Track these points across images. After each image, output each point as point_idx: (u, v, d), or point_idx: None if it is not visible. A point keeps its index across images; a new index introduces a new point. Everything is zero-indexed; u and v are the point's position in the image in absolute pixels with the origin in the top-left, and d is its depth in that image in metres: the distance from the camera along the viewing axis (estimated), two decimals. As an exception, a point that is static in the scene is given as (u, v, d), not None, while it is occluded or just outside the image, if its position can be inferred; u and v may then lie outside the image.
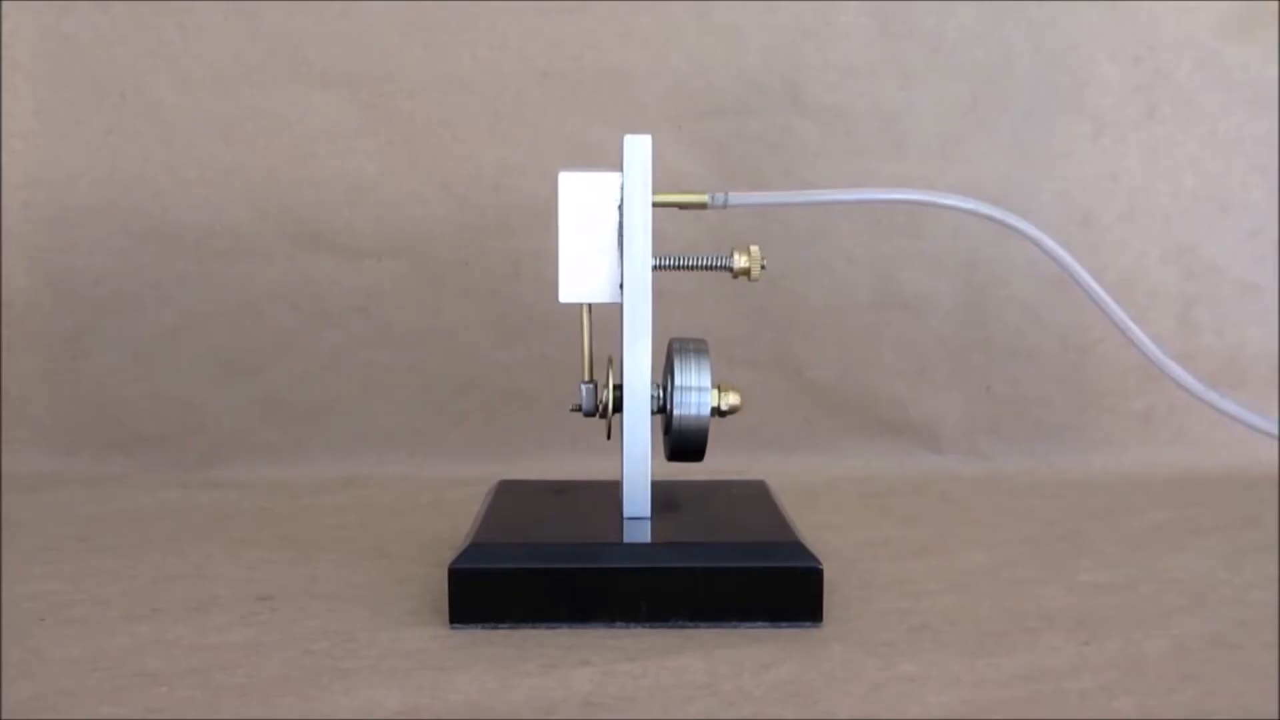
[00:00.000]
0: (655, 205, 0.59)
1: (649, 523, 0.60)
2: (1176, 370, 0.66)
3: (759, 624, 0.55)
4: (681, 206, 0.62)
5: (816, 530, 0.69)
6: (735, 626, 0.55)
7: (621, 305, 0.59)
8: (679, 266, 0.61)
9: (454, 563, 0.55)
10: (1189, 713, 0.46)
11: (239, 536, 0.73)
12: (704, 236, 0.91)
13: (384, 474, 0.91)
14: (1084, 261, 0.66)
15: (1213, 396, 0.66)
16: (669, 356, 0.61)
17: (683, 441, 0.60)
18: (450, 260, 0.93)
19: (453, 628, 0.55)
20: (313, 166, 0.92)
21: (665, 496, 0.64)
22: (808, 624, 0.55)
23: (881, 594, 0.61)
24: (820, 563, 0.56)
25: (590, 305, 0.61)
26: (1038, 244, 0.64)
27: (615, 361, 0.60)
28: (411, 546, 0.70)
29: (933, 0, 0.92)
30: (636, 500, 0.60)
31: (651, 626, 0.55)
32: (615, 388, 0.60)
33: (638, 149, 0.58)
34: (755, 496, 0.67)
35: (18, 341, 0.93)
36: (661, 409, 0.61)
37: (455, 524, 0.69)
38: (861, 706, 0.46)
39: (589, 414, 0.61)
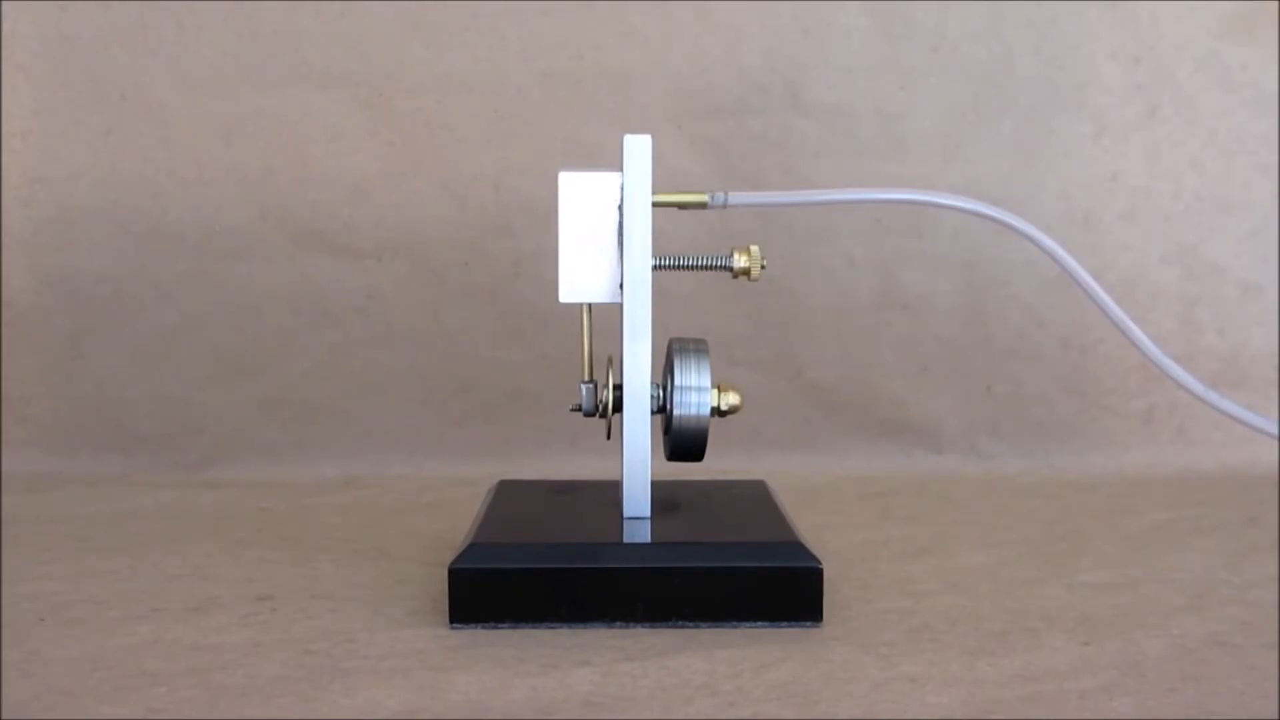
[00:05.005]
0: (655, 205, 0.59)
1: (649, 523, 0.60)
2: (1176, 370, 0.66)
3: (759, 624, 0.55)
4: (681, 206, 0.62)
5: (816, 530, 0.69)
6: (735, 626, 0.55)
7: (621, 305, 0.59)
8: (679, 266, 0.61)
9: (454, 563, 0.55)
10: (1189, 713, 0.46)
11: (239, 536, 0.73)
12: (704, 236, 0.91)
13: (384, 474, 0.91)
14: (1084, 261, 0.66)
15: (1213, 396, 0.66)
16: (669, 356, 0.61)
17: (683, 441, 0.60)
18: (450, 260, 0.93)
19: (453, 628, 0.55)
20: (313, 166, 0.93)
21: (665, 496, 0.64)
22: (808, 624, 0.55)
23: (881, 594, 0.61)
24: (820, 563, 0.55)
25: (590, 305, 0.61)
26: (1038, 244, 0.64)
27: (615, 361, 0.60)
28: (411, 546, 0.70)
29: (933, 0, 0.92)
30: (636, 500, 0.60)
31: (651, 626, 0.55)
32: (615, 388, 0.60)
33: (638, 149, 0.58)
34: (755, 496, 0.67)
35: (18, 341, 0.93)
36: (661, 409, 0.61)
37: (455, 524, 0.69)
38: (861, 706, 0.46)
39: (589, 414, 0.61)
